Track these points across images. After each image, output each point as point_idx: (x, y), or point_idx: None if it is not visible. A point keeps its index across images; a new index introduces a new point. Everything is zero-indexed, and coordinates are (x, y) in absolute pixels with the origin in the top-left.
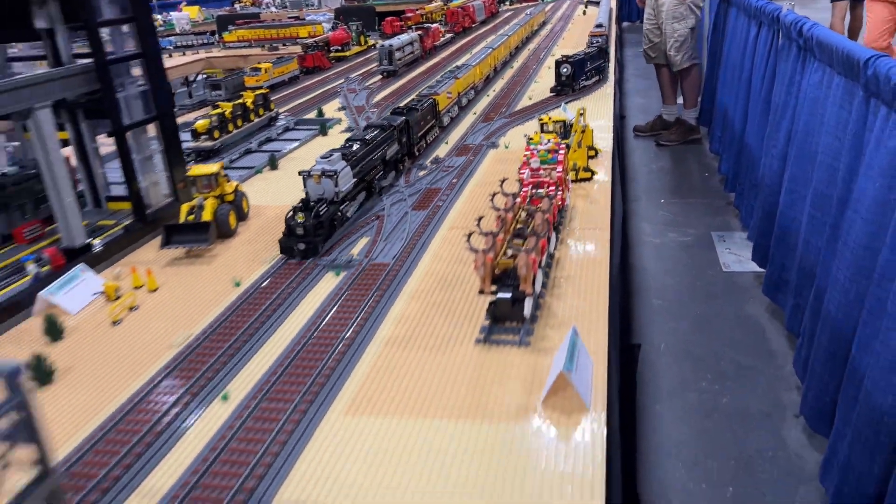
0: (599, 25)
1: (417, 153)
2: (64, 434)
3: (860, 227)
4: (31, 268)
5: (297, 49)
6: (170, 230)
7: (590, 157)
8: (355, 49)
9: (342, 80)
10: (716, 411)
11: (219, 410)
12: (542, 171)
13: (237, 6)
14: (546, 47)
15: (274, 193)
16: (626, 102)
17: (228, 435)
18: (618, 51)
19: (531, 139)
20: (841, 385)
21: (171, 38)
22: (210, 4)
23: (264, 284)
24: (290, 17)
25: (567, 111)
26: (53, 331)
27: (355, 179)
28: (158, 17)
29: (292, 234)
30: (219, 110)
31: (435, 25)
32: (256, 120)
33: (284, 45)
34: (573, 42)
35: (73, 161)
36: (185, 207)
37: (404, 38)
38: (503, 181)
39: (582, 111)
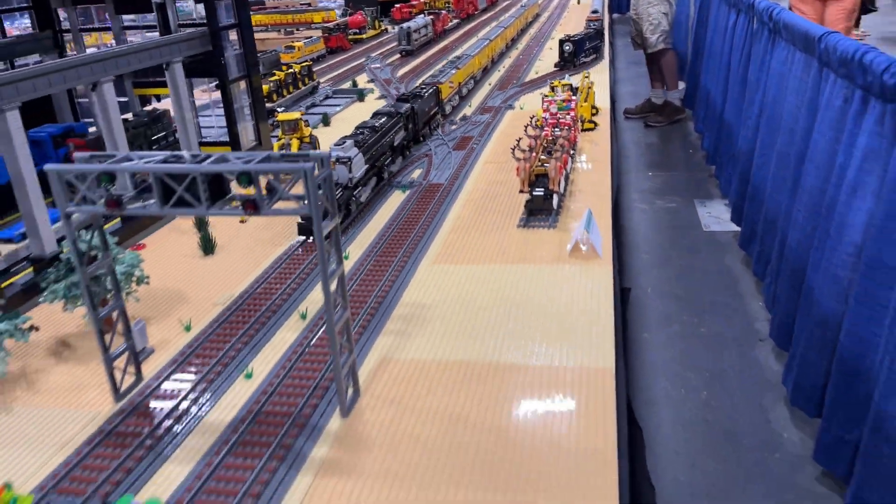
0: (595, 11)
1: (422, 139)
2: (220, 286)
3: (813, 173)
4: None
5: (310, 33)
6: None
7: (592, 114)
8: (371, 32)
9: (363, 59)
10: (694, 337)
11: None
12: (559, 115)
13: None
14: (546, 32)
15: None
16: (617, 89)
17: (357, 275)
18: (610, 38)
19: (552, 88)
20: (798, 304)
21: None
22: None
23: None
24: (302, 4)
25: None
26: (201, 224)
27: (367, 165)
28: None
29: (309, 217)
30: (275, 77)
31: (444, 11)
32: (303, 87)
33: (298, 29)
34: (570, 27)
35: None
36: (276, 145)
37: (420, 21)
38: (532, 118)
39: (587, 74)
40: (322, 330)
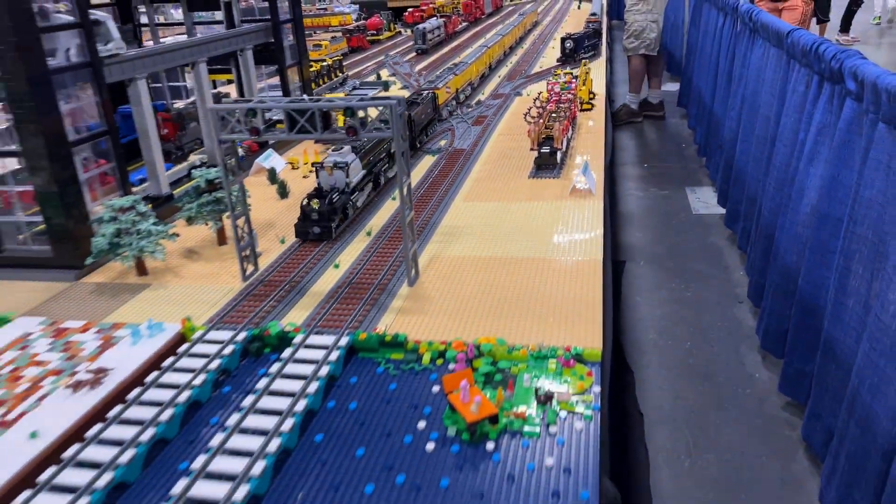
0: (594, 14)
1: (419, 145)
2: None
3: (782, 151)
4: (241, 150)
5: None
6: None
7: (590, 97)
8: (387, 34)
9: (382, 57)
10: (681, 300)
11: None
12: (561, 94)
13: None
14: (549, 33)
15: None
16: (614, 89)
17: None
18: (608, 40)
19: (556, 74)
20: (768, 263)
21: None
22: None
23: None
24: (319, 9)
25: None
26: (273, 176)
27: (364, 171)
28: None
29: (307, 219)
30: (314, 67)
31: (454, 15)
32: (335, 79)
33: (316, 32)
34: (570, 29)
35: (234, 95)
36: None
37: (433, 22)
38: (539, 94)
39: (586, 63)
40: (383, 240)
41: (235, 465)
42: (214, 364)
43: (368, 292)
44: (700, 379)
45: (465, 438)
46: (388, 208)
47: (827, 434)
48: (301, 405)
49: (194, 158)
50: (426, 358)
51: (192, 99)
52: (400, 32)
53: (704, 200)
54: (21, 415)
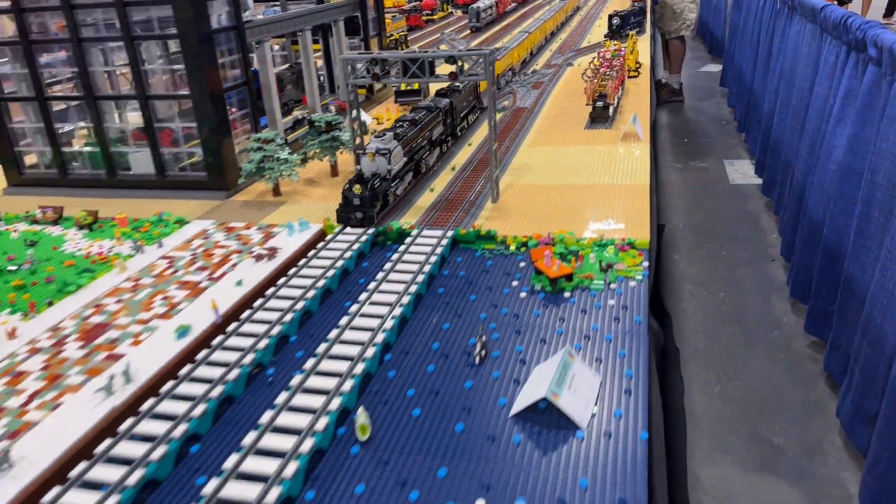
0: None
1: (459, 133)
2: None
3: (814, 117)
4: (332, 109)
5: (387, 15)
6: (398, 94)
7: (636, 66)
8: (440, 14)
9: (438, 34)
10: (716, 258)
11: (475, 145)
12: (612, 60)
13: None
14: (595, 13)
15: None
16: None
17: (483, 149)
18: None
19: (605, 45)
20: (798, 220)
21: None
22: None
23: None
24: None
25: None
26: (363, 128)
27: (405, 158)
28: None
29: (349, 204)
30: (388, 39)
31: None
32: (404, 49)
33: None
34: (614, 10)
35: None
36: (402, 85)
37: (486, 2)
38: (592, 59)
39: (633, 36)
40: (466, 173)
41: (388, 297)
42: (356, 246)
43: (461, 206)
44: (732, 323)
45: (548, 289)
46: (466, 152)
47: (845, 361)
48: (425, 271)
49: (297, 114)
50: (512, 247)
51: (286, 65)
52: (452, 13)
53: (742, 172)
54: (222, 275)
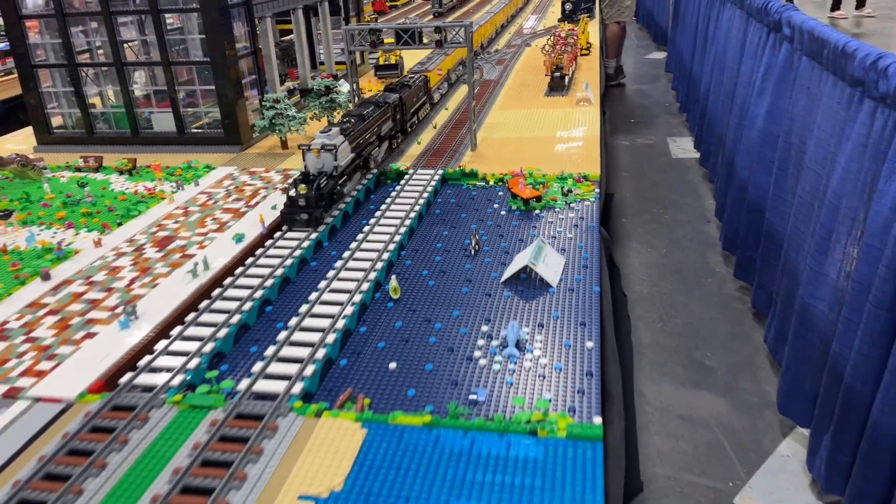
0: None
1: (410, 129)
2: None
3: (740, 92)
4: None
5: None
6: (377, 68)
7: (587, 45)
8: (402, 0)
9: (403, 19)
10: (659, 221)
11: (452, 109)
12: (567, 39)
13: None
14: (549, 1)
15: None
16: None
17: (460, 110)
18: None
19: (559, 25)
20: (727, 182)
21: None
22: None
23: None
24: None
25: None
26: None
27: (353, 154)
28: None
29: (294, 205)
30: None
31: None
32: None
33: None
34: None
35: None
36: (381, 56)
37: None
38: (548, 39)
39: (584, 18)
40: (447, 130)
41: (398, 214)
42: (364, 181)
43: (446, 154)
44: (673, 273)
45: (522, 208)
46: (444, 115)
47: (769, 297)
48: (422, 200)
49: (288, 84)
50: (492, 181)
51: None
52: None
53: (683, 147)
54: (256, 203)
